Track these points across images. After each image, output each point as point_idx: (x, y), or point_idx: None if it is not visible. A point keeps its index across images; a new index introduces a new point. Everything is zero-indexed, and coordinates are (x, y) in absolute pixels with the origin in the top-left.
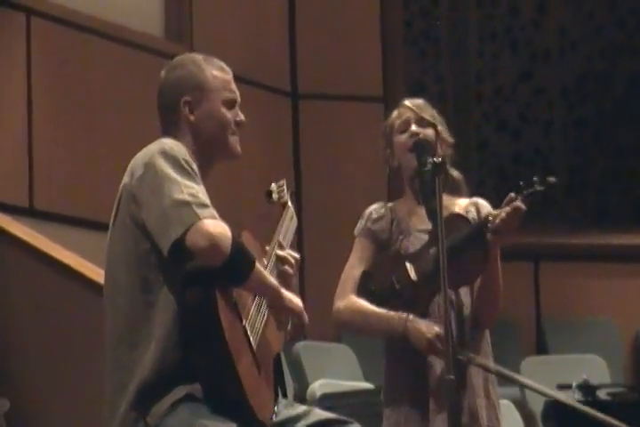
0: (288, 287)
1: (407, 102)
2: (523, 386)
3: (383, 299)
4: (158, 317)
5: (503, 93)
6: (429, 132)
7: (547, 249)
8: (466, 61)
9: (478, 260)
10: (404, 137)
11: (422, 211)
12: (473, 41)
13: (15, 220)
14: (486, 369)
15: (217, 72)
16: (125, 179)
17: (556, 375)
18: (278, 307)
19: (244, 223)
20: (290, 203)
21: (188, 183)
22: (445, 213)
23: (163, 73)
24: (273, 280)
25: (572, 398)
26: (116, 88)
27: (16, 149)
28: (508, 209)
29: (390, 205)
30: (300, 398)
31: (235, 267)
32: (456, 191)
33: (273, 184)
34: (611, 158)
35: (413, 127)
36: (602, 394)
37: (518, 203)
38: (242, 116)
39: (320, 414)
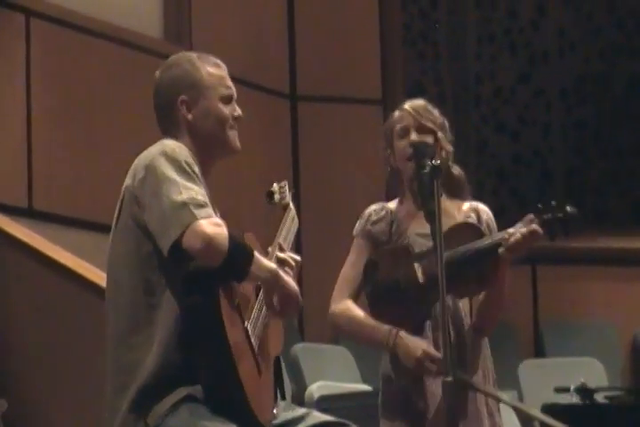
0: None
1: (408, 107)
2: (514, 409)
3: (384, 293)
4: (161, 318)
5: (502, 95)
6: (429, 140)
7: (544, 252)
8: (465, 63)
9: (487, 274)
10: (403, 144)
11: (421, 214)
12: (472, 43)
13: (14, 220)
14: (478, 391)
15: (212, 69)
16: (127, 181)
17: (554, 379)
18: (276, 291)
19: (243, 225)
20: (292, 204)
21: (188, 184)
22: (445, 217)
23: (157, 73)
24: (272, 264)
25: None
26: (116, 89)
27: (15, 150)
28: (524, 231)
29: (390, 206)
30: (298, 399)
31: (234, 264)
32: (458, 190)
33: (275, 184)
34: (610, 160)
35: (413, 136)
36: (599, 397)
37: (535, 226)
38: (239, 111)
39: (318, 416)
